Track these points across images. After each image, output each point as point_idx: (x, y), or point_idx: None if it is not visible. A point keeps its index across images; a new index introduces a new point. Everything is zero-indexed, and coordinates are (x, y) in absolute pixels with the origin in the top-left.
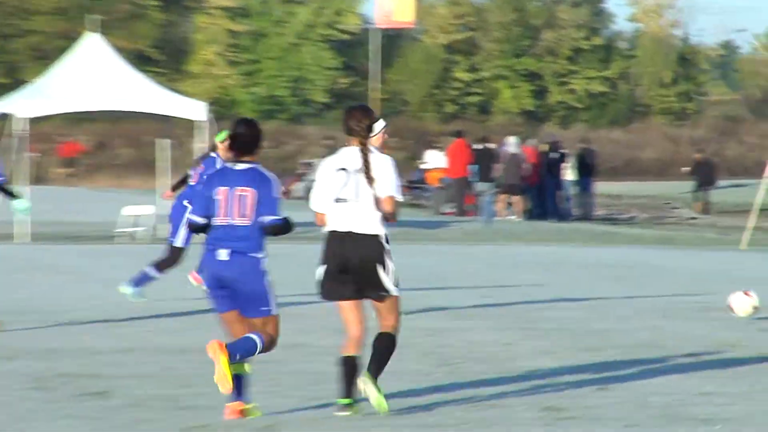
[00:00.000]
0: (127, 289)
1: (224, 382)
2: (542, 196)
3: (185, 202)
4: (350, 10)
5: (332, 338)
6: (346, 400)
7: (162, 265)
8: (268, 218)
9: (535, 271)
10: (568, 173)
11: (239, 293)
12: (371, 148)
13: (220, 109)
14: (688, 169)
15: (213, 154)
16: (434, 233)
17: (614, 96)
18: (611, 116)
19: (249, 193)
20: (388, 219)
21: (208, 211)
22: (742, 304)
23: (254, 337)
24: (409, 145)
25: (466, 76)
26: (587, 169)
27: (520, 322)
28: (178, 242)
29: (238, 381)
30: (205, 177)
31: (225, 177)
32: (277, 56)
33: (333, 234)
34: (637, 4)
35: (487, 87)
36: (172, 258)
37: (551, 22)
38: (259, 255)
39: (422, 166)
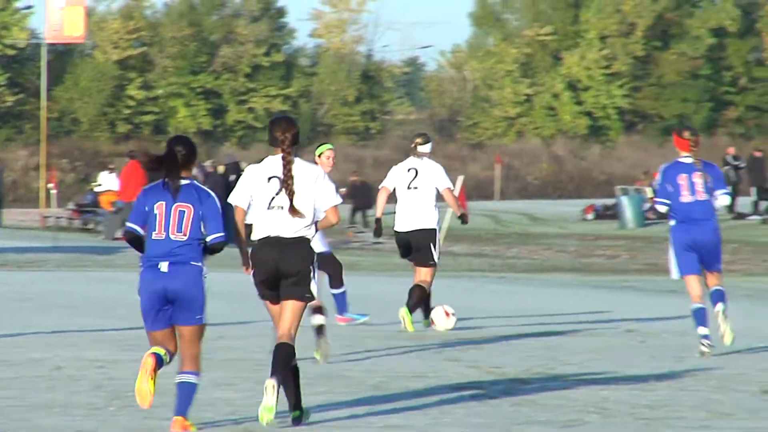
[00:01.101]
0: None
1: (144, 397)
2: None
3: None
4: (17, 24)
5: None
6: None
7: (336, 280)
8: (213, 236)
9: (214, 300)
10: None
11: (179, 303)
12: (295, 158)
13: None
14: (343, 190)
15: None
16: (108, 259)
17: (296, 115)
18: None
19: (188, 209)
20: (327, 226)
21: (145, 223)
22: (442, 321)
23: (191, 382)
24: (80, 166)
25: (140, 93)
26: None
27: None
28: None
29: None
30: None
31: (162, 192)
32: None
33: (265, 240)
34: (319, 19)
35: (163, 105)
36: (333, 264)
37: (229, 37)
38: (199, 264)
39: (95, 189)
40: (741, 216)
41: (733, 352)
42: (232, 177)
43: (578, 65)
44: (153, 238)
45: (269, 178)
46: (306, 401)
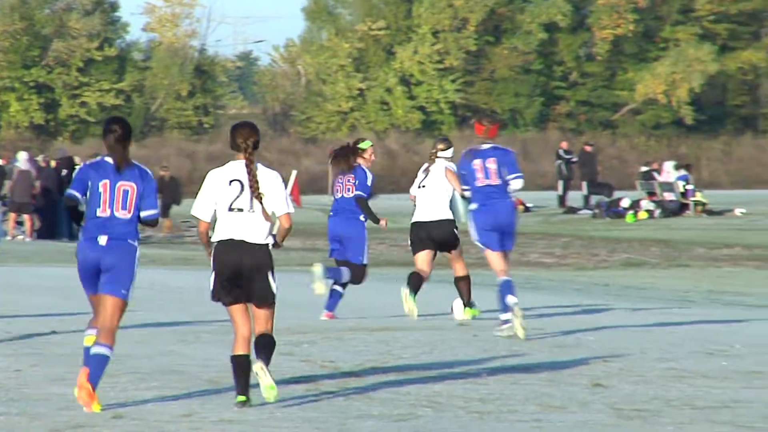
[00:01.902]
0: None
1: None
2: (54, 214)
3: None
4: None
5: None
6: (243, 398)
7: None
8: (147, 212)
9: (45, 295)
10: None
11: (109, 274)
12: (257, 163)
13: None
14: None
15: (361, 165)
16: None
17: (128, 109)
18: None
19: (131, 188)
20: (285, 233)
21: (85, 193)
22: (460, 311)
23: (104, 354)
24: None
25: None
26: None
27: (30, 347)
28: (365, 259)
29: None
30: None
31: (106, 171)
32: None
33: (226, 242)
34: (152, 13)
35: None
36: (360, 277)
37: (62, 31)
38: (135, 243)
39: None
40: (572, 210)
41: (565, 345)
42: (65, 171)
43: (411, 60)
44: (97, 215)
45: (230, 181)
46: (139, 396)
